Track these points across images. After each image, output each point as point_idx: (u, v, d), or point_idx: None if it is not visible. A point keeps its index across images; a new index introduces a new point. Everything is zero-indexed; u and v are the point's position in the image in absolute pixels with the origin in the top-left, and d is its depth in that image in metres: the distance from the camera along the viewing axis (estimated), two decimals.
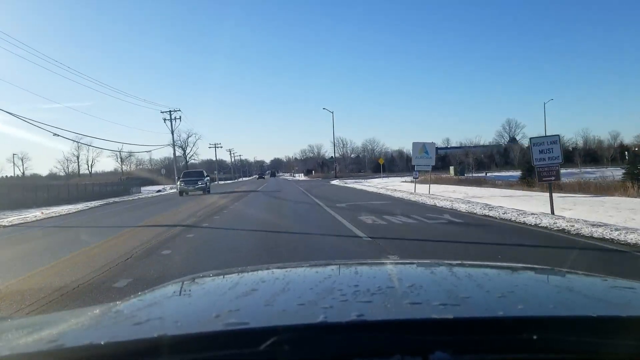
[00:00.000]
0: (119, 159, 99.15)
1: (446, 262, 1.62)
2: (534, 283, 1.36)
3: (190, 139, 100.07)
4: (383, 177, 51.03)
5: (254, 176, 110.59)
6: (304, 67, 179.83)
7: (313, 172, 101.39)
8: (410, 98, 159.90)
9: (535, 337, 0.78)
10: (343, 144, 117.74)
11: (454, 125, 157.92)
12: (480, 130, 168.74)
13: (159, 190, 48.10)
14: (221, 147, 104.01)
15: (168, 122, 55.10)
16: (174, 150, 57.66)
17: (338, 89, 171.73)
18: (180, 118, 55.99)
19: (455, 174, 44.63)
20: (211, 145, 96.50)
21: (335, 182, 49.19)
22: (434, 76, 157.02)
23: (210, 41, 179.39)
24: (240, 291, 1.27)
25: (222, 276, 1.53)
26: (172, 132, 55.64)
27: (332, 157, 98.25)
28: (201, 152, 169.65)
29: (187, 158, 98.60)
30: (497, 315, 0.91)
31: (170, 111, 55.51)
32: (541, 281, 1.39)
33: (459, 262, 1.60)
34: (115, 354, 0.80)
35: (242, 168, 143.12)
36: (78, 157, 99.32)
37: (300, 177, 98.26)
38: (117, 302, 1.24)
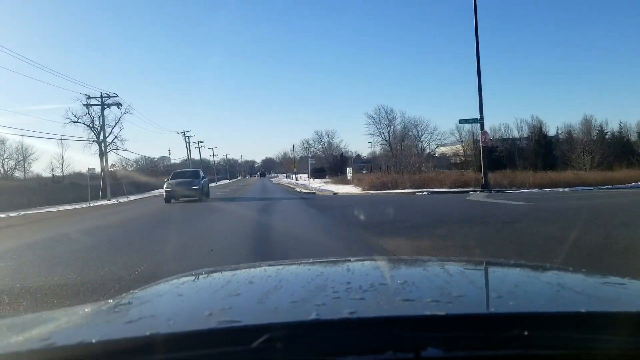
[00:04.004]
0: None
1: (438, 258, 1.63)
2: (525, 279, 1.37)
3: (109, 113, 48.03)
4: None
5: (239, 178, 58.76)
6: (305, 59, 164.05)
7: (349, 171, 44.33)
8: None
9: (526, 333, 0.78)
10: (389, 120, 65.63)
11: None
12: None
13: None
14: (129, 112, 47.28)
15: None
16: None
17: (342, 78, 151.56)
18: None
19: None
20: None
21: None
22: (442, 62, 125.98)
23: (203, 34, 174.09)
24: (232, 289, 1.27)
25: (214, 274, 1.53)
26: None
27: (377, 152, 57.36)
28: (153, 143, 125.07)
29: (106, 149, 41.86)
30: (489, 312, 0.92)
31: None
32: (533, 277, 1.40)
33: (452, 258, 1.62)
34: (107, 352, 0.80)
35: (229, 168, 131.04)
36: None
37: (305, 179, 55.12)
38: (109, 301, 1.24)
